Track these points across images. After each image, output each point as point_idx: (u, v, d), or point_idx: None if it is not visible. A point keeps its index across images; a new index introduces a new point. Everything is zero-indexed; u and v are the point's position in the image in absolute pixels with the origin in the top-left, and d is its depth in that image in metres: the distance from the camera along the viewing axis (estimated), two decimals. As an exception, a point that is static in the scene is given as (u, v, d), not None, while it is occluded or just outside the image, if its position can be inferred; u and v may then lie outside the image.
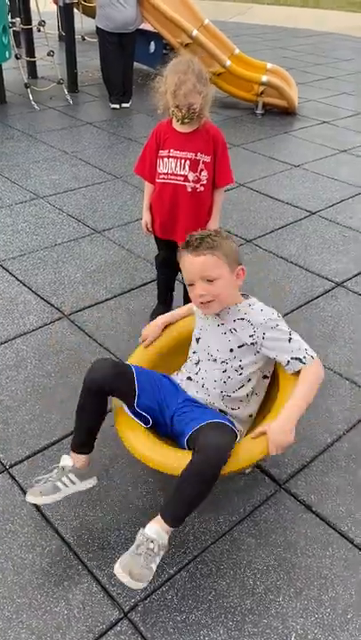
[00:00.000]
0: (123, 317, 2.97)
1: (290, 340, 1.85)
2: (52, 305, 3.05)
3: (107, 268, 3.40)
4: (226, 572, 1.81)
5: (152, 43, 7.03)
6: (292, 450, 2.21)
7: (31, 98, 6.19)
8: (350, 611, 1.72)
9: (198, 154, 2.47)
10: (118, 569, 1.59)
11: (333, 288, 3.32)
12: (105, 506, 2.00)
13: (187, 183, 2.51)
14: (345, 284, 3.36)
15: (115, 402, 1.96)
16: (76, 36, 6.82)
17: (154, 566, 1.62)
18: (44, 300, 3.09)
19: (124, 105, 6.33)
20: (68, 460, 1.90)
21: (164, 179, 2.54)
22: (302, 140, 5.68)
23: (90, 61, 7.66)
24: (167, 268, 2.87)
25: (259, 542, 1.90)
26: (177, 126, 2.48)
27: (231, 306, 1.89)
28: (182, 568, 1.82)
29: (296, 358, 1.82)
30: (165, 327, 2.19)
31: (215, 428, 1.73)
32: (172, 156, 2.49)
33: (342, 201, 4.40)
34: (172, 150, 2.48)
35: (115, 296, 3.14)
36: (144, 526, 1.66)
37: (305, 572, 1.82)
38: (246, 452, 1.76)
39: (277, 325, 1.85)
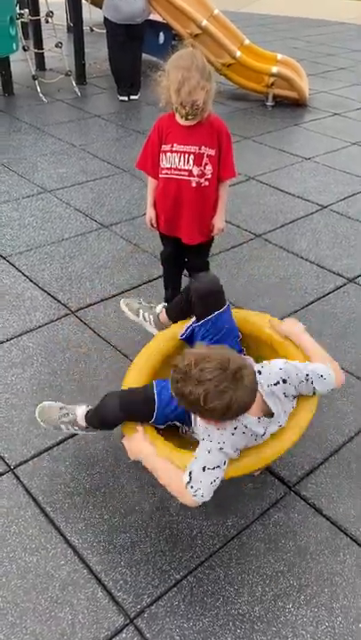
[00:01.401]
0: (130, 314, 2.92)
1: None
2: (58, 301, 3.01)
3: (114, 264, 3.35)
4: (234, 578, 1.77)
5: (161, 33, 6.94)
6: (302, 451, 2.16)
7: (39, 90, 6.13)
8: (362, 619, 1.67)
9: (202, 147, 2.40)
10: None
11: (345, 284, 3.25)
12: (111, 508, 1.96)
13: (191, 178, 2.44)
14: (357, 279, 3.29)
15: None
16: (85, 27, 6.74)
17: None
18: (51, 296, 3.05)
19: (132, 97, 6.26)
20: (160, 309, 2.36)
21: (167, 174, 2.48)
22: (313, 132, 5.59)
23: (98, 53, 7.58)
24: (173, 264, 2.82)
25: (268, 547, 1.86)
26: (180, 120, 2.41)
27: None
28: (189, 573, 1.77)
29: None
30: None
31: None
32: (175, 151, 2.42)
33: (354, 194, 4.31)
34: (175, 145, 2.42)
35: (122, 292, 3.09)
36: None
37: (315, 578, 1.78)
38: (255, 456, 1.72)
39: None
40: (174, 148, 2.43)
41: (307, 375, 1.82)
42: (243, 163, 4.68)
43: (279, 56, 6.44)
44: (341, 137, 5.44)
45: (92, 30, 8.60)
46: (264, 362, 1.86)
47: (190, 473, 1.65)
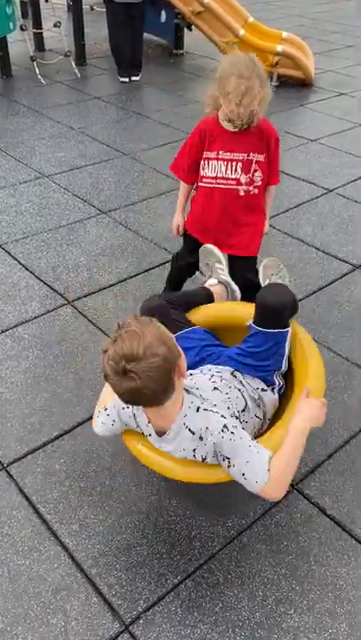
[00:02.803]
0: (129, 304, 2.83)
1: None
2: (55, 291, 2.92)
3: (112, 252, 3.25)
4: (234, 582, 1.70)
5: (163, 12, 6.75)
6: (305, 448, 2.07)
7: (37, 71, 5.98)
8: (367, 626, 1.60)
9: (251, 154, 2.23)
10: None
11: (351, 271, 3.14)
12: (107, 508, 1.89)
13: (239, 187, 2.27)
14: (363, 266, 3.19)
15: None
16: (84, 6, 6.57)
17: None
18: (48, 286, 2.96)
19: (133, 78, 6.09)
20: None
21: (211, 183, 2.29)
22: (319, 112, 5.43)
23: (98, 33, 7.38)
24: (187, 270, 2.63)
25: (269, 549, 1.78)
26: (226, 124, 2.21)
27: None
28: (187, 577, 1.71)
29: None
30: None
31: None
32: (221, 158, 2.24)
33: (361, 177, 4.19)
34: (220, 152, 2.23)
35: (120, 281, 3.00)
36: None
37: (318, 582, 1.70)
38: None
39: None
40: (220, 156, 2.24)
41: (227, 458, 1.52)
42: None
43: (284, 34, 6.25)
44: (348, 118, 5.28)
45: (92, 9, 8.41)
46: (213, 406, 1.60)
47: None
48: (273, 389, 1.89)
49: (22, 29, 5.95)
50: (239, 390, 1.79)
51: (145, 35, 6.19)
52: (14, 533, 1.81)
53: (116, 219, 3.58)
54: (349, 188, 4.03)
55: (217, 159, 2.26)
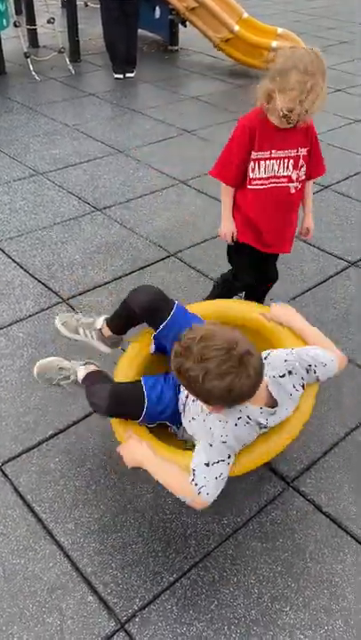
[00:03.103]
0: (124, 301, 2.82)
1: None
2: (49, 289, 2.91)
3: (107, 249, 3.24)
4: (230, 580, 1.70)
5: (157, 8, 6.72)
6: (301, 444, 2.08)
7: (31, 68, 5.95)
8: (363, 623, 1.61)
9: (299, 149, 2.15)
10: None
11: (347, 268, 3.14)
12: (102, 506, 1.89)
13: (290, 184, 2.19)
14: (358, 263, 3.18)
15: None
16: (79, 2, 6.53)
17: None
18: (42, 284, 2.95)
19: (128, 75, 6.07)
20: (100, 323, 2.09)
21: (263, 184, 2.18)
22: (314, 109, 5.41)
23: (93, 29, 7.35)
24: (253, 278, 2.49)
25: (265, 546, 1.78)
26: (276, 121, 2.08)
27: None
28: (183, 575, 1.71)
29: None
30: None
31: None
32: (274, 157, 2.14)
33: (357, 174, 4.18)
34: (273, 151, 2.13)
35: (116, 278, 2.99)
36: None
37: (314, 579, 1.71)
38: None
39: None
40: (273, 155, 2.14)
41: (309, 365, 1.75)
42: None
43: (279, 30, 6.23)
44: (343, 114, 5.27)
45: (86, 5, 8.37)
46: (269, 350, 1.78)
47: (194, 470, 1.56)
48: None
49: (16, 26, 5.92)
50: None
51: (139, 31, 6.16)
52: (9, 532, 1.80)
53: (111, 216, 3.56)
54: (344, 184, 4.03)
55: (270, 158, 2.15)
